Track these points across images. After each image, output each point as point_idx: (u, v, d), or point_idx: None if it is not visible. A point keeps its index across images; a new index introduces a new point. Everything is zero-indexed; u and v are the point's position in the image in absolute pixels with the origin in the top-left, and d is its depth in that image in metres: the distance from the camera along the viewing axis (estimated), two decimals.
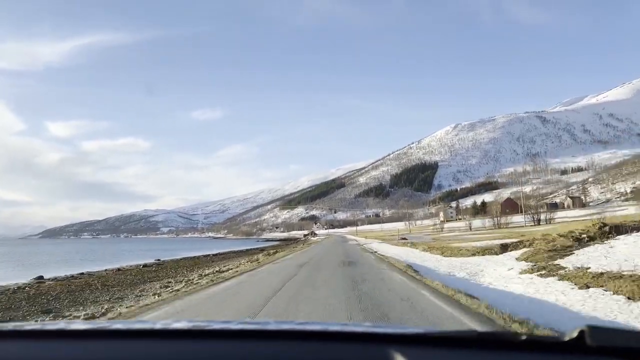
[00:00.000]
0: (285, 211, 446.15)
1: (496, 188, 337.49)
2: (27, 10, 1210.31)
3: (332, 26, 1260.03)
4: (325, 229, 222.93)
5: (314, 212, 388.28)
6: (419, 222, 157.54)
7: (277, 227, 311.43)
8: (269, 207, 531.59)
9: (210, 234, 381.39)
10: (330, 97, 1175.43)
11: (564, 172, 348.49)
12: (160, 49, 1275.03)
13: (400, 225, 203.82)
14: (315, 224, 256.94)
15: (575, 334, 1.07)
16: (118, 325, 1.38)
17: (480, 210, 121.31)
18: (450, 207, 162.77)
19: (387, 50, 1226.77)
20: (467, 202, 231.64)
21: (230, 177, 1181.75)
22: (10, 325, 1.42)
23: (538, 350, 1.12)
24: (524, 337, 1.13)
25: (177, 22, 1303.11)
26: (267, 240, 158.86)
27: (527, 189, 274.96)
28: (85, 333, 1.33)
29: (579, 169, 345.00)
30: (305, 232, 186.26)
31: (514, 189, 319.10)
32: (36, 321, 9.58)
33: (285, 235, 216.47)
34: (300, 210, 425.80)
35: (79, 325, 1.40)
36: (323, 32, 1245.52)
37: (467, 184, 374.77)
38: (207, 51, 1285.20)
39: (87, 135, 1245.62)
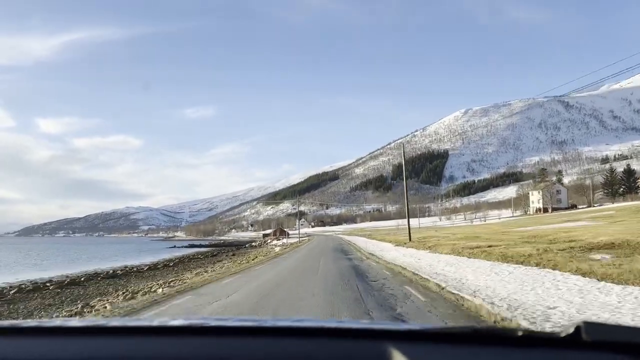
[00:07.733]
0: (270, 207, 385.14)
1: (521, 180, 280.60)
2: (17, 3, 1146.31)
3: (326, 25, 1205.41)
4: (312, 226, 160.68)
5: (302, 208, 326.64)
6: (495, 214, 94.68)
7: (252, 225, 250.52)
8: (254, 203, 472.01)
9: (179, 233, 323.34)
10: (326, 95, 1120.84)
11: (604, 160, 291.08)
12: (152, 46, 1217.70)
13: (416, 221, 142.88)
14: (300, 220, 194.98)
15: (571, 330, 1.06)
16: (115, 323, 1.39)
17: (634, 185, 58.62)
18: (553, 182, 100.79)
19: (384, 48, 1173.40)
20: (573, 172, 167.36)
21: (222, 176, 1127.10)
22: (7, 323, 1.42)
23: (534, 345, 1.11)
24: (520, 333, 1.12)
25: (169, 19, 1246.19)
26: (210, 245, 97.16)
27: (565, 180, 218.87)
28: (82, 330, 1.33)
29: (623, 157, 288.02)
30: (268, 231, 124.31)
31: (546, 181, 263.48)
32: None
33: (253, 235, 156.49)
34: (286, 206, 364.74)
35: (76, 322, 1.42)
36: (317, 30, 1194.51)
37: (486, 175, 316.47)
38: (200, 48, 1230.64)
39: (78, 132, 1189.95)
